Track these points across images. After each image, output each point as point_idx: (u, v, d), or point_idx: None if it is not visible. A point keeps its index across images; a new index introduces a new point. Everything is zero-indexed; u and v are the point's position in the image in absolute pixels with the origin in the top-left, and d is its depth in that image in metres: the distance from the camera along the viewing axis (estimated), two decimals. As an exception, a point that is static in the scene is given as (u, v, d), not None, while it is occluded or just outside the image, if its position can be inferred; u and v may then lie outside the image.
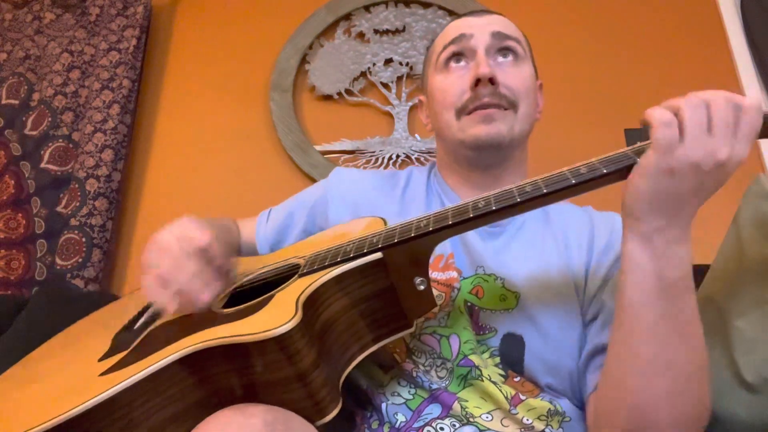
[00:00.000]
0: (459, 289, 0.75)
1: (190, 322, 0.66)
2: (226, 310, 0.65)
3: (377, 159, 1.67)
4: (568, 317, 0.74)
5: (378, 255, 0.61)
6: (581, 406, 0.73)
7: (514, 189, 0.61)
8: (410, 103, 1.73)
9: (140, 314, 0.79)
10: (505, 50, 0.84)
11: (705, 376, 0.60)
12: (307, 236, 0.90)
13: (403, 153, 1.66)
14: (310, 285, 0.60)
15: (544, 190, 0.58)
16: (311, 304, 0.58)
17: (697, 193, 0.55)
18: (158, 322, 0.71)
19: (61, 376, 0.65)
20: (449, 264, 0.77)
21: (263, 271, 0.78)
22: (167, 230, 0.72)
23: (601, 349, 0.70)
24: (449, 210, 0.64)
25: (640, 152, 0.57)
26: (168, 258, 0.67)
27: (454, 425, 0.68)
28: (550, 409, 0.71)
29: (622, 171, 0.57)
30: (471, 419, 0.69)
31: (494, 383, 0.70)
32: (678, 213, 0.56)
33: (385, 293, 0.62)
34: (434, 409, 0.70)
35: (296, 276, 0.66)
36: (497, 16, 0.87)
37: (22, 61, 1.87)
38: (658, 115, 0.55)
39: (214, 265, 0.70)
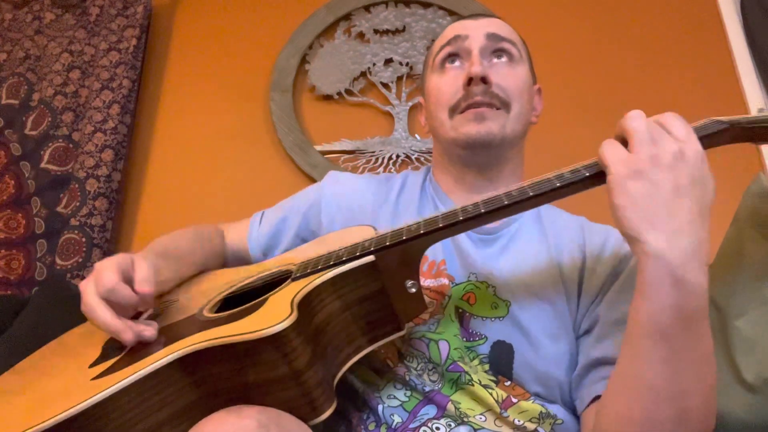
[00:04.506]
0: (450, 297, 0.75)
1: (182, 326, 0.66)
2: (218, 314, 0.66)
3: (377, 159, 1.67)
4: (559, 328, 0.74)
5: (370, 258, 0.62)
6: (574, 411, 0.73)
7: (502, 194, 0.63)
8: (410, 103, 1.72)
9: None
10: (499, 51, 0.85)
11: (713, 398, 0.58)
12: (300, 240, 0.91)
13: (403, 153, 1.66)
14: (304, 287, 0.60)
15: (530, 194, 0.60)
16: (306, 306, 0.59)
17: (677, 191, 0.53)
18: None
19: (52, 382, 0.65)
20: (441, 271, 0.77)
21: (254, 278, 0.78)
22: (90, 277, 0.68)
23: (595, 364, 0.70)
24: (439, 215, 0.65)
25: None
26: (83, 307, 0.65)
27: (450, 425, 0.69)
28: (542, 411, 0.71)
29: (602, 174, 0.58)
30: (466, 419, 0.69)
31: (485, 387, 0.70)
32: (672, 217, 0.53)
33: (377, 296, 0.63)
34: (430, 410, 0.70)
35: (289, 280, 0.67)
36: (494, 19, 0.89)
37: (22, 61, 1.87)
38: (601, 146, 0.58)
39: (129, 305, 0.66)
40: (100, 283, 0.64)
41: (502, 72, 0.83)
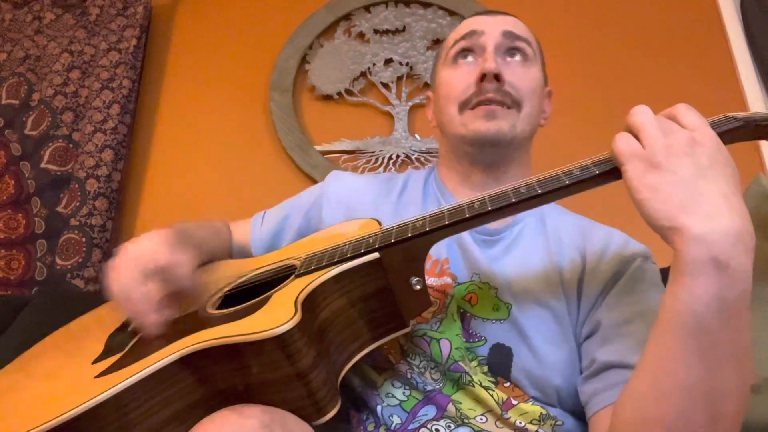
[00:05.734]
0: (453, 296, 0.74)
1: (186, 323, 0.65)
2: (222, 311, 0.65)
3: (377, 159, 1.67)
4: (559, 334, 0.73)
5: (375, 255, 0.62)
6: (574, 414, 0.72)
7: (509, 190, 0.62)
8: (410, 103, 1.72)
9: None
10: (514, 50, 0.84)
11: (747, 402, 0.53)
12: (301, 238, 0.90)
13: (403, 153, 1.66)
14: (308, 285, 0.60)
15: (539, 191, 0.59)
16: (310, 304, 0.59)
17: (700, 173, 0.50)
18: None
19: (56, 379, 0.64)
20: (444, 270, 0.77)
21: (258, 272, 0.78)
22: (129, 247, 0.69)
23: (603, 368, 0.68)
24: (445, 211, 0.64)
25: None
26: (118, 279, 0.65)
27: (449, 426, 0.68)
28: (542, 413, 0.70)
29: (613, 171, 0.57)
30: (466, 420, 0.68)
31: (485, 388, 0.70)
32: (702, 198, 0.50)
33: (382, 293, 0.63)
34: (429, 411, 0.70)
35: (293, 276, 0.66)
36: (510, 17, 0.88)
37: (22, 61, 1.87)
38: (614, 140, 0.55)
39: (175, 285, 0.67)
40: (152, 257, 0.66)
41: (516, 71, 0.82)
